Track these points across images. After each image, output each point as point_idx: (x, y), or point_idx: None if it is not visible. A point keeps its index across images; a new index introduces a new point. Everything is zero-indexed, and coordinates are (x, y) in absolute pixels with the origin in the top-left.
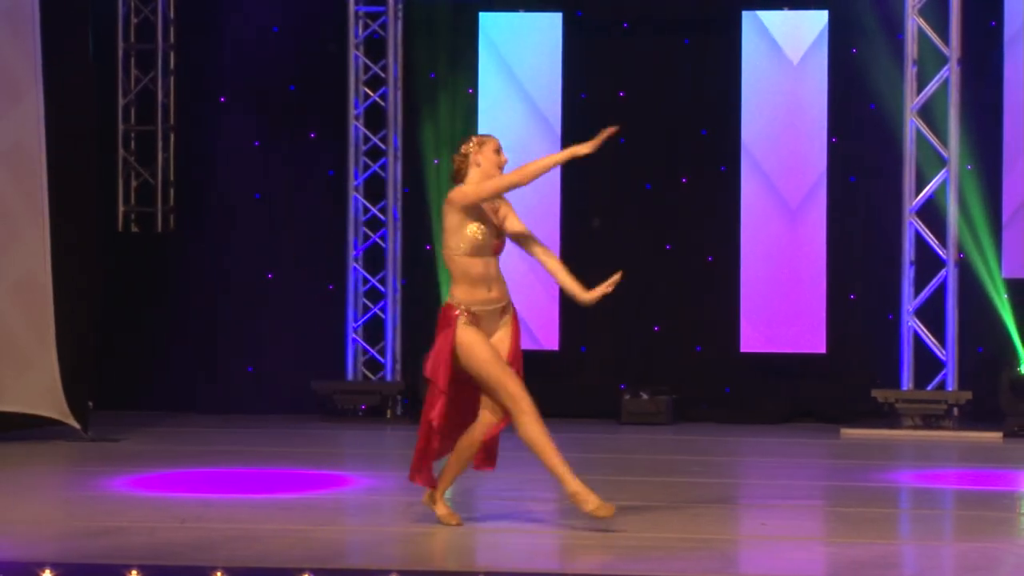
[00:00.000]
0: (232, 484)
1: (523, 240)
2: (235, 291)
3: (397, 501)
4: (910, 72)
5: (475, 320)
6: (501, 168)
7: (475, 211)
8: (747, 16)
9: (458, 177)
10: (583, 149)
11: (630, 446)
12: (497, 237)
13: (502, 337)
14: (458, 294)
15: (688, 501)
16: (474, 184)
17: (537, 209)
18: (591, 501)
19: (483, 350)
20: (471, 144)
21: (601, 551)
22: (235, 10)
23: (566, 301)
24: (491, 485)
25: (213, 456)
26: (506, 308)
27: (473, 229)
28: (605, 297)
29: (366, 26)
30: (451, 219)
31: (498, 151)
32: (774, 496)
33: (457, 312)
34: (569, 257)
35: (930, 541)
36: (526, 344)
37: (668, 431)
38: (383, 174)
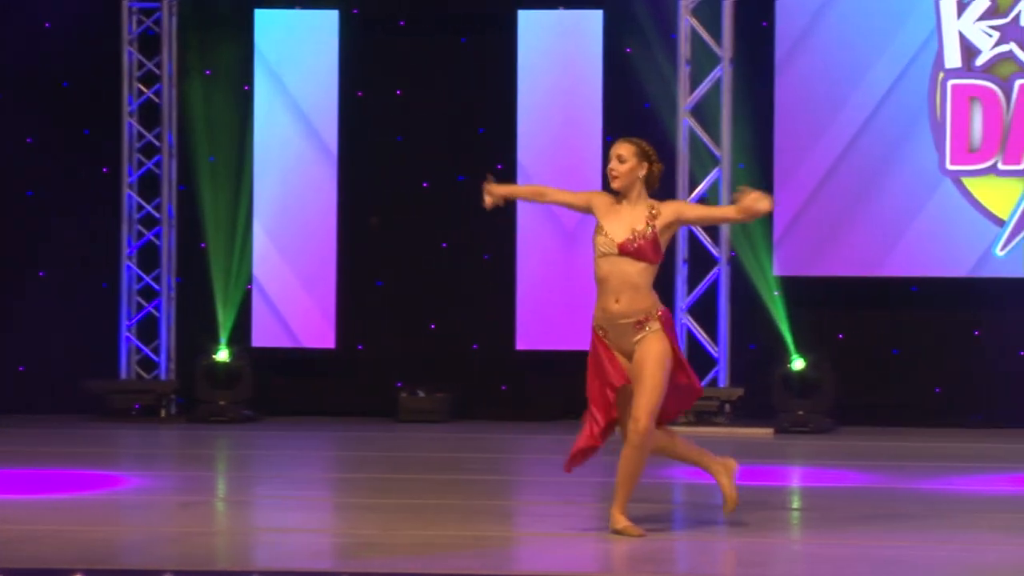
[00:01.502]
0: (2, 484)
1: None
2: (6, 289)
3: (171, 501)
4: (683, 72)
5: (603, 334)
6: (610, 176)
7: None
8: (523, 15)
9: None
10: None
11: (407, 444)
12: (624, 242)
13: (637, 358)
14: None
15: (465, 498)
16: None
17: (314, 206)
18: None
19: (591, 375)
20: None
21: (378, 550)
22: (6, 5)
23: (342, 298)
24: (270, 485)
25: None
26: (641, 324)
27: (596, 235)
28: (383, 295)
29: (140, 22)
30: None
31: (608, 159)
32: (550, 493)
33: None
34: (346, 254)
35: (704, 537)
36: (296, 343)
37: (445, 429)
38: (158, 171)
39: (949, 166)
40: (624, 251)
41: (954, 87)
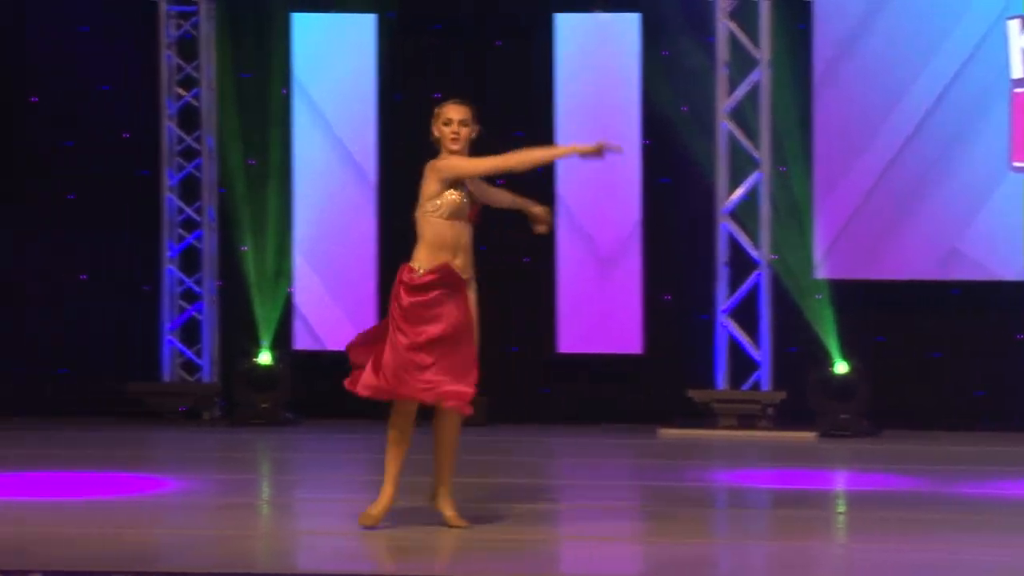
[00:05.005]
0: (46, 487)
1: (491, 195)
2: (49, 293)
3: (212, 504)
4: (721, 74)
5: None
6: (449, 139)
7: (454, 179)
8: (560, 19)
9: (438, 147)
10: (585, 148)
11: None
12: (472, 205)
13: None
14: (420, 256)
15: (504, 501)
16: (458, 160)
17: (353, 208)
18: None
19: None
20: (434, 117)
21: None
22: (42, 9)
23: (384, 303)
24: (310, 487)
25: (28, 459)
26: (469, 282)
27: (452, 194)
28: None
29: (178, 26)
30: (431, 185)
31: (447, 122)
32: (592, 497)
33: (412, 274)
34: (389, 258)
35: (745, 540)
36: (337, 345)
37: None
38: (198, 175)
39: (1014, 163)
40: (472, 218)
41: (1017, 95)
